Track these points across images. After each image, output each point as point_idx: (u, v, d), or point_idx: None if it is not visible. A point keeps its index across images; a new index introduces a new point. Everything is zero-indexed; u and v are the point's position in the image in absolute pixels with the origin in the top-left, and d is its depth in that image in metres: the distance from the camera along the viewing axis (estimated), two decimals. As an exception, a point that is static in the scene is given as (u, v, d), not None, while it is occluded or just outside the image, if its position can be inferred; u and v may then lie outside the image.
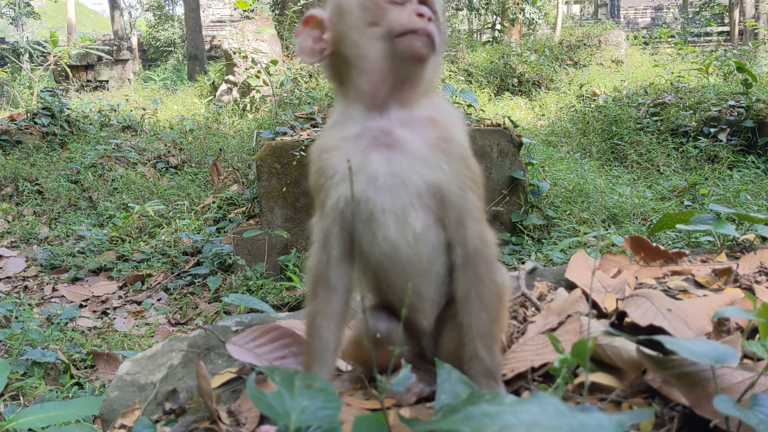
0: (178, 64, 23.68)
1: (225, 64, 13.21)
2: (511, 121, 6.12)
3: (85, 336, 4.52)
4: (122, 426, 1.53)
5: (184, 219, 6.93)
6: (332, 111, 1.44)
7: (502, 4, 17.95)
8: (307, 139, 5.49)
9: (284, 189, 5.53)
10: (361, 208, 1.30)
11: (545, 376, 1.50)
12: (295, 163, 5.38)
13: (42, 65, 12.86)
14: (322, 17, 1.37)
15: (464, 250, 1.31)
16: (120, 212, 7.23)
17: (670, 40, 18.95)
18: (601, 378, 1.40)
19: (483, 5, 18.80)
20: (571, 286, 1.98)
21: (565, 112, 11.41)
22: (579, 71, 14.40)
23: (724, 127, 8.30)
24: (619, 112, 9.48)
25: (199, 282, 5.59)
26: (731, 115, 8.37)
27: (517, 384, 1.47)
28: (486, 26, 19.30)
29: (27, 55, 15.94)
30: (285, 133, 5.95)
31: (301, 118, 6.59)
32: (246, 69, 11.59)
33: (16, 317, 4.52)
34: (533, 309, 1.91)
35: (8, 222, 7.29)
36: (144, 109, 12.57)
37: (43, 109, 9.90)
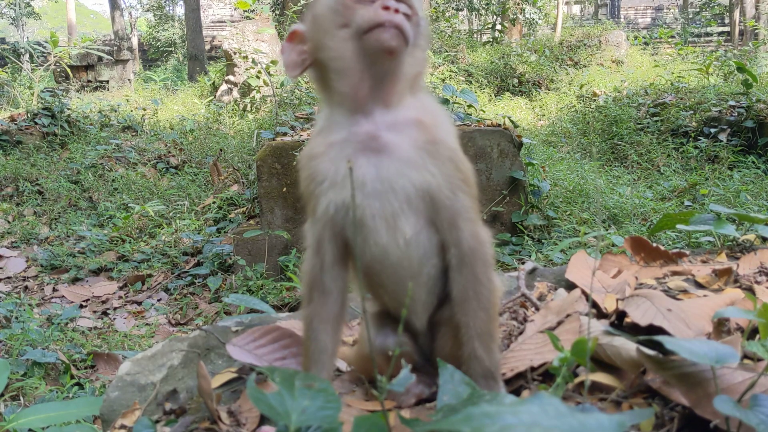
0: (178, 64, 23.70)
1: (225, 64, 13.22)
2: (512, 121, 6.12)
3: (85, 336, 4.52)
4: (122, 426, 1.53)
5: (184, 219, 6.94)
6: (318, 117, 1.44)
7: (502, 4, 17.96)
8: (308, 139, 5.49)
9: (284, 189, 5.53)
10: (351, 214, 1.31)
11: (545, 375, 1.50)
12: (295, 163, 5.38)
13: (42, 65, 12.87)
14: (302, 30, 1.39)
15: (459, 250, 1.32)
16: (120, 212, 7.24)
17: (670, 40, 18.95)
18: (601, 378, 1.40)
19: (483, 5, 18.81)
20: (571, 287, 1.98)
21: (566, 112, 11.41)
22: (579, 71, 14.41)
23: (725, 127, 8.30)
24: (619, 113, 9.48)
25: (199, 282, 5.59)
26: (731, 116, 8.37)
27: (516, 383, 1.47)
28: (486, 26, 19.31)
29: (27, 55, 15.95)
30: (285, 134, 5.96)
31: (301, 118, 6.59)
32: (246, 69, 11.60)
33: (17, 317, 4.52)
34: (533, 309, 1.91)
35: (9, 222, 7.30)
36: (144, 110, 12.57)
37: (44, 109, 9.90)
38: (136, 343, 4.43)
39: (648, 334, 1.46)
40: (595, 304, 1.80)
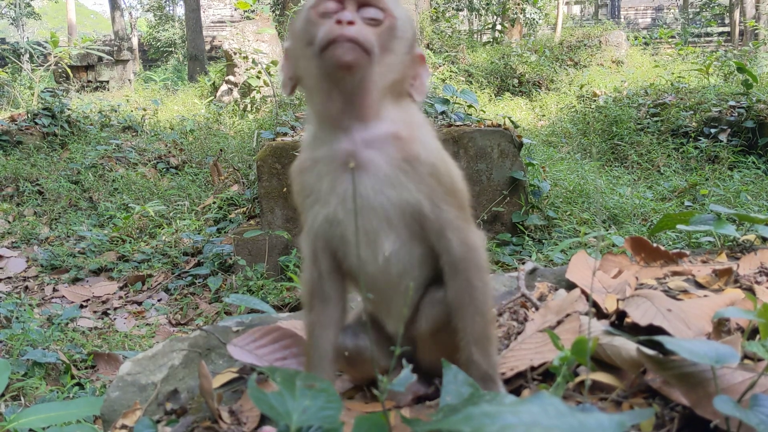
0: (178, 64, 23.70)
1: (225, 64, 13.22)
2: (512, 121, 6.13)
3: (85, 336, 4.52)
4: (123, 426, 1.53)
5: (184, 219, 6.94)
6: (306, 130, 1.43)
7: (502, 4, 17.97)
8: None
9: (285, 189, 5.53)
10: (335, 229, 1.32)
11: (544, 374, 1.51)
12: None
13: (42, 65, 12.87)
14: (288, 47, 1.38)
15: (450, 258, 1.31)
16: (120, 213, 7.24)
17: (670, 40, 18.95)
18: (602, 377, 1.40)
19: (483, 6, 18.81)
20: (571, 287, 1.98)
21: (566, 112, 11.41)
22: (579, 72, 14.41)
23: (725, 127, 8.30)
24: (619, 113, 9.49)
25: (199, 282, 5.60)
26: (732, 116, 8.37)
27: (516, 383, 1.48)
28: (486, 27, 19.31)
29: (27, 55, 15.95)
30: (285, 134, 5.96)
31: (301, 118, 6.59)
32: (246, 69, 11.60)
33: (17, 318, 4.52)
34: (533, 309, 1.91)
35: (9, 222, 7.30)
36: (144, 110, 12.56)
37: (44, 109, 9.90)
38: (136, 343, 4.43)
39: (648, 334, 1.47)
40: (595, 304, 1.80)
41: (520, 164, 5.62)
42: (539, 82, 13.98)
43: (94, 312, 5.15)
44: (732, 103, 8.59)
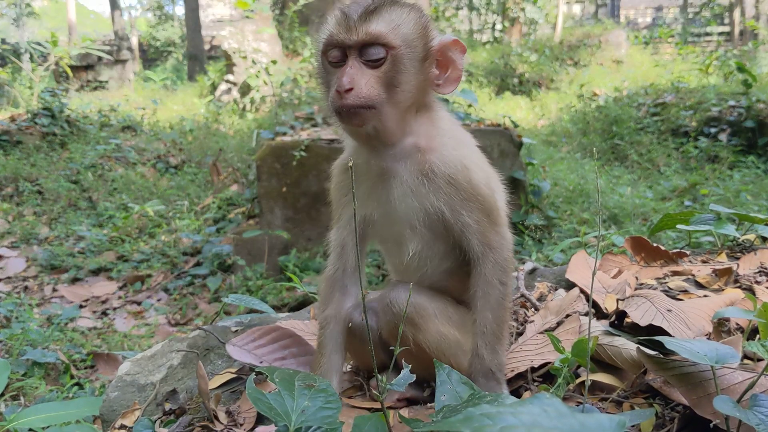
0: (177, 64, 23.67)
1: (225, 64, 13.21)
2: (512, 121, 6.12)
3: (85, 336, 4.52)
4: (122, 426, 1.53)
5: (183, 219, 6.93)
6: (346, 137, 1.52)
7: (502, 4, 17.95)
8: (307, 139, 5.49)
9: (284, 189, 5.53)
10: (370, 228, 1.48)
11: (545, 375, 1.50)
12: (295, 163, 5.38)
13: (42, 65, 12.85)
14: None
15: (471, 254, 1.40)
16: (120, 212, 7.23)
17: (670, 40, 18.93)
18: (603, 378, 1.40)
19: (483, 5, 18.80)
20: (571, 287, 1.98)
21: (566, 112, 11.41)
22: (579, 71, 14.40)
23: (725, 127, 8.30)
24: (619, 112, 9.48)
25: (198, 282, 5.59)
26: (731, 116, 8.37)
27: (517, 384, 1.47)
28: (486, 26, 19.30)
29: (27, 55, 15.93)
30: (285, 134, 5.95)
31: (301, 118, 6.59)
32: (246, 69, 11.58)
33: (17, 317, 4.52)
34: (533, 309, 1.91)
35: (8, 222, 7.29)
36: (144, 109, 12.54)
37: (44, 109, 9.89)
38: (135, 343, 4.43)
39: (648, 334, 1.46)
40: (595, 304, 1.80)
41: (520, 164, 5.61)
42: (539, 82, 13.97)
43: (94, 312, 5.14)
44: (732, 102, 8.59)
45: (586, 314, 1.67)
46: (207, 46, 20.93)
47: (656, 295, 1.71)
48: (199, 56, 18.01)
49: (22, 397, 3.41)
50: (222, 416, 1.47)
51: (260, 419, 1.44)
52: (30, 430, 2.17)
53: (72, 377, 3.70)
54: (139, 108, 12.75)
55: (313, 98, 8.43)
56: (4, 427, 1.78)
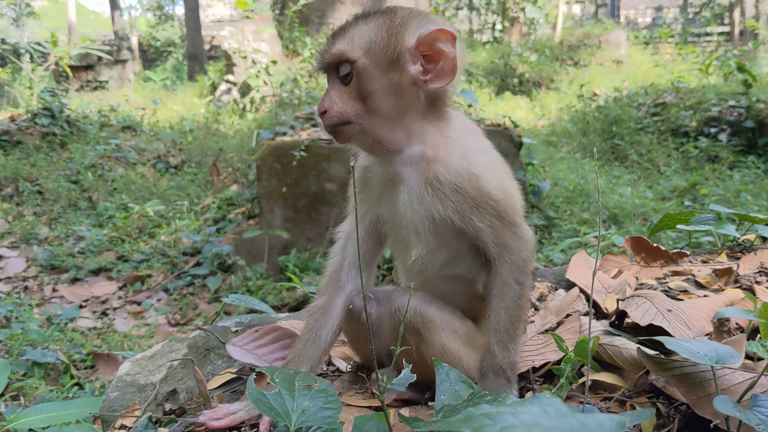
0: (177, 64, 23.68)
1: (225, 64, 13.20)
2: (512, 121, 6.12)
3: (85, 336, 4.52)
4: (122, 426, 1.53)
5: (183, 219, 6.93)
6: None
7: (502, 4, 17.95)
8: (307, 139, 5.49)
9: (284, 189, 5.53)
10: (381, 226, 1.51)
11: (546, 375, 1.51)
12: (295, 163, 5.38)
13: (42, 65, 12.85)
14: None
15: (488, 255, 1.41)
16: (120, 212, 7.23)
17: (670, 40, 18.94)
18: (605, 377, 1.40)
19: (483, 5, 18.80)
20: (571, 287, 1.98)
21: (566, 112, 11.41)
22: (579, 71, 14.40)
23: (725, 127, 8.30)
24: (619, 112, 9.49)
25: (198, 282, 5.59)
26: (731, 116, 8.37)
27: (519, 384, 1.47)
28: (486, 26, 19.30)
29: (27, 55, 15.92)
30: (285, 134, 5.95)
31: (301, 118, 6.59)
32: (246, 69, 11.58)
33: (17, 317, 4.52)
34: (533, 310, 1.91)
35: (8, 222, 7.29)
36: (144, 109, 12.54)
37: (44, 109, 9.90)
38: (135, 343, 4.43)
39: (648, 334, 1.46)
40: (595, 304, 1.80)
41: (520, 164, 5.61)
42: (539, 82, 13.97)
43: (94, 312, 5.14)
44: (732, 102, 8.60)
45: (587, 314, 1.68)
46: (207, 46, 20.94)
47: (656, 295, 1.71)
48: (199, 56, 18.01)
49: (22, 397, 3.41)
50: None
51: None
52: (30, 430, 2.17)
53: (72, 377, 3.70)
54: (139, 108, 12.76)
55: (313, 98, 8.44)
56: (4, 427, 1.78)
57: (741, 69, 8.77)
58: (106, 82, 18.63)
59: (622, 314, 1.64)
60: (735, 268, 2.02)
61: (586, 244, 3.57)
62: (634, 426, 1.21)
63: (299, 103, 8.36)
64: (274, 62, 9.58)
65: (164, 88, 17.94)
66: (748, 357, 1.42)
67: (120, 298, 5.44)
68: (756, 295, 1.77)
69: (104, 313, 5.15)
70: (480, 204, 1.37)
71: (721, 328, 1.59)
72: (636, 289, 1.90)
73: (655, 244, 2.26)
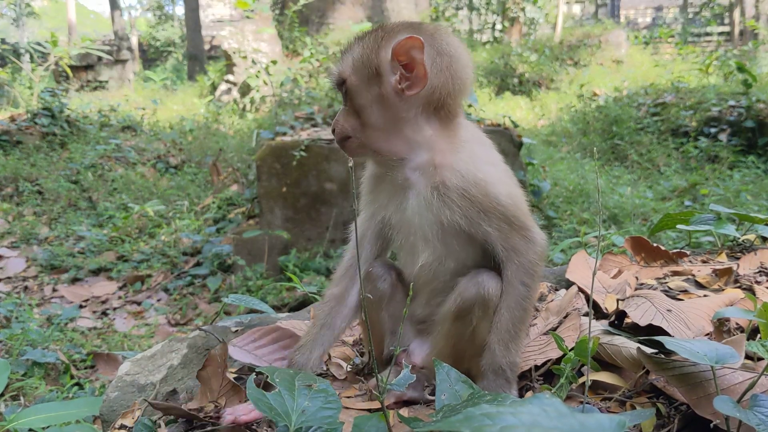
0: (177, 64, 23.68)
1: (225, 64, 13.21)
2: (512, 121, 6.12)
3: (85, 336, 4.52)
4: (122, 426, 1.53)
5: (183, 219, 6.93)
6: None
7: (502, 3, 17.95)
8: (307, 139, 5.49)
9: (284, 189, 5.53)
10: (387, 229, 1.53)
11: (546, 374, 1.51)
12: (295, 163, 5.38)
13: (42, 65, 12.85)
14: None
15: (497, 258, 1.42)
16: (120, 212, 7.23)
17: (670, 40, 18.93)
18: (605, 377, 1.40)
19: (483, 5, 18.80)
20: (571, 287, 1.98)
21: (566, 111, 11.41)
22: (579, 71, 14.40)
23: (725, 127, 8.30)
24: (619, 112, 9.49)
25: (198, 282, 5.59)
26: (731, 116, 8.37)
27: (520, 384, 1.47)
28: (486, 26, 19.30)
29: (27, 55, 15.92)
30: (285, 134, 5.95)
31: (301, 118, 6.59)
32: (246, 69, 11.59)
33: (17, 317, 4.52)
34: (534, 311, 1.91)
35: (8, 222, 7.29)
36: (144, 109, 12.54)
37: (44, 109, 9.90)
38: (135, 343, 4.43)
39: (648, 334, 1.46)
40: (595, 304, 1.80)
41: (520, 164, 5.61)
42: (539, 82, 13.97)
43: (94, 312, 5.14)
44: (732, 102, 8.59)
45: (587, 314, 1.68)
46: (207, 46, 20.94)
47: (656, 295, 1.71)
48: (199, 56, 18.01)
49: (22, 397, 3.41)
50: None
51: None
52: (30, 430, 2.17)
53: (72, 377, 3.71)
54: (139, 108, 12.76)
55: (313, 98, 8.44)
56: (4, 427, 1.78)
57: (741, 69, 8.77)
58: (106, 82, 18.63)
59: (621, 314, 1.64)
60: (735, 268, 2.02)
61: (586, 244, 3.57)
62: (634, 426, 1.21)
63: (299, 103, 8.36)
64: (274, 62, 9.58)
65: (164, 88, 17.94)
66: (748, 357, 1.42)
67: (120, 298, 5.44)
68: (756, 295, 1.77)
69: (104, 313, 5.15)
70: (488, 209, 1.38)
71: (721, 328, 1.59)
72: (636, 289, 1.90)
73: (655, 244, 2.26)
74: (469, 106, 6.42)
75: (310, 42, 12.20)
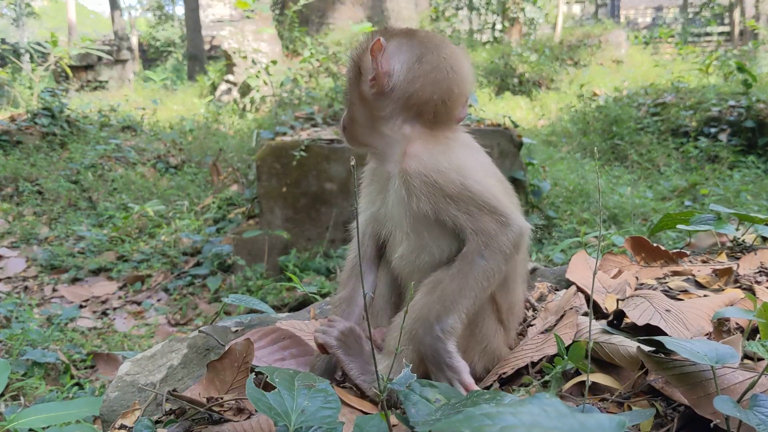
0: (177, 64, 23.68)
1: (225, 64, 13.21)
2: (512, 121, 6.12)
3: (85, 336, 4.52)
4: (122, 426, 1.53)
5: (183, 219, 6.93)
6: None
7: (502, 3, 17.95)
8: (307, 139, 5.49)
9: (284, 189, 5.53)
10: (377, 224, 1.59)
11: (542, 371, 1.51)
12: (295, 163, 5.38)
13: (42, 65, 12.85)
14: None
15: (464, 240, 1.40)
16: (120, 212, 7.23)
17: (670, 40, 18.93)
18: (601, 378, 1.40)
19: (483, 5, 18.80)
20: (570, 287, 1.98)
21: (566, 112, 11.41)
22: (579, 71, 14.40)
23: (725, 127, 8.30)
24: (619, 112, 9.49)
25: (198, 282, 5.59)
26: (731, 116, 8.37)
27: (518, 381, 1.48)
28: (486, 26, 19.30)
29: (27, 55, 15.92)
30: (285, 134, 5.95)
31: (301, 118, 6.59)
32: (246, 69, 11.59)
33: (17, 317, 4.52)
34: (532, 311, 1.91)
35: (8, 222, 7.29)
36: (144, 109, 12.54)
37: (44, 109, 9.89)
38: (135, 343, 4.43)
39: (646, 334, 1.46)
40: (594, 304, 1.80)
41: (520, 164, 5.61)
42: (539, 82, 13.97)
43: (94, 312, 5.14)
44: (732, 102, 8.59)
45: (586, 314, 1.68)
46: (207, 46, 20.94)
47: (655, 295, 1.71)
48: (199, 56, 18.01)
49: (22, 397, 3.41)
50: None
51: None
52: (30, 430, 2.17)
53: (72, 377, 3.71)
54: (139, 108, 12.75)
55: (313, 98, 8.44)
56: (4, 427, 1.78)
57: (741, 69, 8.77)
58: (106, 82, 18.63)
59: (620, 314, 1.64)
60: (735, 268, 2.02)
61: (586, 244, 3.57)
62: (633, 426, 1.21)
63: (299, 103, 8.36)
64: (274, 62, 9.59)
65: (164, 88, 17.94)
66: (748, 357, 1.42)
67: (120, 298, 5.44)
68: (756, 295, 1.77)
69: (104, 313, 5.15)
70: (454, 195, 1.37)
71: (720, 328, 1.59)
72: (636, 289, 1.90)
73: (655, 244, 2.26)
74: (470, 106, 6.42)
75: (310, 42, 12.20)
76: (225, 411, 1.43)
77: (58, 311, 4.80)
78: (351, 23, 11.60)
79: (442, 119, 1.47)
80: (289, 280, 2.31)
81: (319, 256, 5.41)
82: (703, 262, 2.22)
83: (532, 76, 14.03)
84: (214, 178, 8.02)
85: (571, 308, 1.72)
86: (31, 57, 15.15)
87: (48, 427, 1.87)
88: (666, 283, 1.98)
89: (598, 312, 1.78)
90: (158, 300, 5.38)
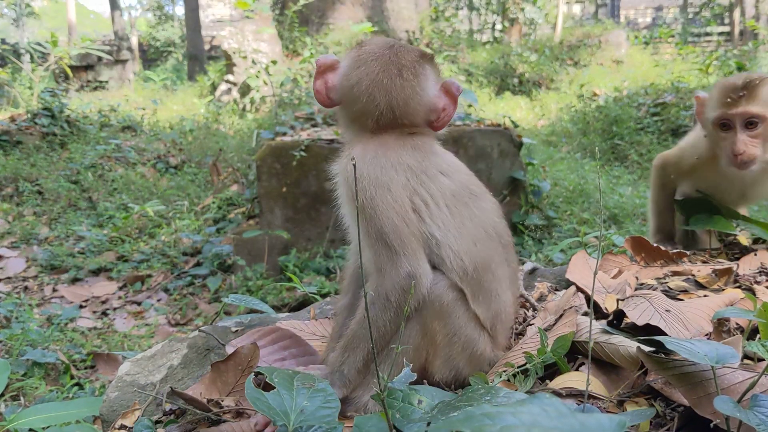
0: (177, 64, 23.66)
1: (225, 64, 13.21)
2: (512, 121, 6.12)
3: (85, 336, 4.52)
4: (122, 426, 1.53)
5: (183, 219, 6.93)
6: None
7: (502, 4, 17.95)
8: (307, 139, 5.49)
9: (284, 189, 5.53)
10: None
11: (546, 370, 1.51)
12: (295, 163, 5.38)
13: (42, 65, 12.85)
14: None
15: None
16: (120, 212, 7.23)
17: (670, 40, 18.93)
18: (602, 380, 1.40)
19: (483, 5, 18.80)
20: (569, 287, 1.98)
21: (566, 112, 11.41)
22: (579, 71, 14.40)
23: (725, 127, 8.30)
24: (619, 112, 9.48)
25: (198, 282, 5.59)
26: (731, 115, 8.37)
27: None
28: (486, 26, 19.30)
29: (27, 55, 15.92)
30: (285, 134, 5.95)
31: (301, 118, 6.59)
32: (246, 69, 11.58)
33: (17, 318, 4.52)
34: (532, 311, 1.91)
35: (8, 222, 7.29)
36: (144, 109, 12.54)
37: (44, 109, 9.89)
38: (135, 343, 4.43)
39: (646, 334, 1.46)
40: (595, 304, 1.80)
41: (520, 164, 5.61)
42: (539, 82, 13.97)
43: (94, 312, 5.14)
44: (732, 102, 8.58)
45: (586, 314, 1.68)
46: (207, 46, 20.93)
47: (655, 295, 1.71)
48: (199, 56, 18.00)
49: (22, 397, 3.41)
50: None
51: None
52: (30, 430, 2.17)
53: (72, 377, 3.71)
54: (139, 108, 12.75)
55: (313, 98, 8.43)
56: (4, 427, 1.78)
57: (741, 69, 8.77)
58: (106, 82, 18.62)
59: (620, 314, 1.64)
60: (735, 268, 2.02)
61: (586, 244, 3.57)
62: (633, 426, 1.21)
63: (299, 103, 8.36)
64: (274, 62, 9.58)
65: (164, 88, 17.93)
66: (748, 357, 1.42)
67: (120, 298, 5.44)
68: (756, 295, 1.77)
69: (104, 313, 5.15)
70: (363, 209, 1.33)
71: (720, 329, 1.59)
72: (636, 289, 1.90)
73: (655, 244, 2.26)
74: (469, 106, 6.42)
75: (310, 42, 12.20)
76: (225, 413, 1.43)
77: (58, 311, 4.80)
78: (351, 23, 11.60)
79: (395, 125, 1.48)
80: (289, 280, 2.31)
81: (319, 256, 5.41)
82: (703, 262, 2.22)
83: (532, 76, 14.03)
84: (214, 178, 8.02)
85: (571, 308, 1.72)
86: (31, 57, 15.15)
87: (48, 427, 1.87)
88: (666, 283, 1.98)
89: (598, 312, 1.78)
90: (158, 300, 5.38)
